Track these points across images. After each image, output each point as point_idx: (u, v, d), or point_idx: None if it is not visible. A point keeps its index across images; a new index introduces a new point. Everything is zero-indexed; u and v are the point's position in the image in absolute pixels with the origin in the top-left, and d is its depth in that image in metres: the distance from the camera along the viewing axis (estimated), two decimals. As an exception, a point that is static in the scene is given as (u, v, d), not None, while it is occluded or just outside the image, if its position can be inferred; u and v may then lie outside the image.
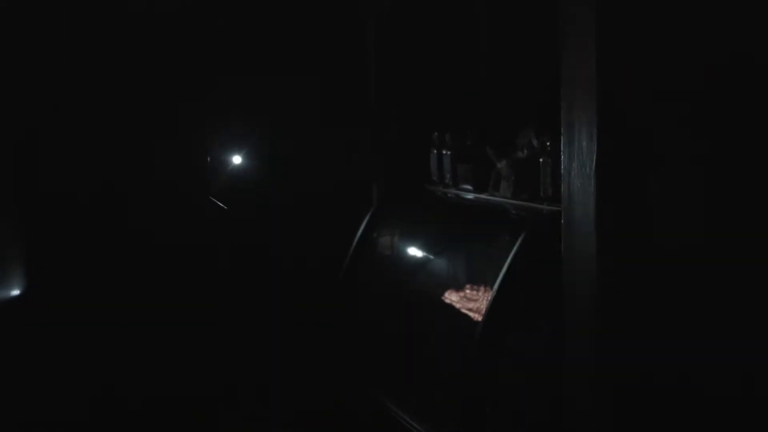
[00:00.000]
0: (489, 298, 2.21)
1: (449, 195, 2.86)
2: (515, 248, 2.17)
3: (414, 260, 2.98)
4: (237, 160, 3.56)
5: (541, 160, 2.37)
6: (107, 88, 3.25)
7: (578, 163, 1.70)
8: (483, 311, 2.24)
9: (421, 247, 2.98)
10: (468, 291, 2.60)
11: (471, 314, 2.47)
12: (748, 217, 1.70)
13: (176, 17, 3.31)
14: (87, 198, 3.25)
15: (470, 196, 2.75)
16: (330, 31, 3.43)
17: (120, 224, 3.29)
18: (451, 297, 2.62)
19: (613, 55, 1.63)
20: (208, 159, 3.55)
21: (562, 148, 1.77)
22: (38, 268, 3.24)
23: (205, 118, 3.42)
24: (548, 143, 2.36)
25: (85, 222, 3.25)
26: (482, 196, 2.68)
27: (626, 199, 1.68)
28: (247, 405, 3.17)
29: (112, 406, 3.05)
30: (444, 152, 2.88)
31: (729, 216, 1.71)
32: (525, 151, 2.50)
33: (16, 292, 3.23)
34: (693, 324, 1.72)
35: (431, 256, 2.92)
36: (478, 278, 2.58)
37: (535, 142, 2.46)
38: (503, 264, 2.18)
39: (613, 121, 1.64)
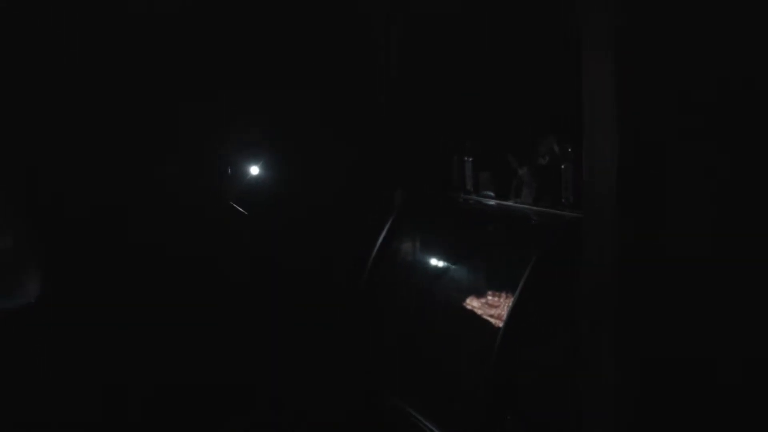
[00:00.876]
0: (509, 305, 2.22)
1: (471, 201, 2.86)
2: (536, 255, 2.18)
3: (435, 266, 2.98)
4: (252, 165, 3.50)
5: (562, 166, 2.38)
6: (107, 88, 3.21)
7: (599, 173, 1.71)
8: (504, 318, 2.25)
9: (442, 253, 2.98)
10: (490, 297, 2.60)
11: (492, 321, 2.47)
12: (758, 227, 1.71)
13: (176, 17, 3.25)
14: (89, 207, 3.17)
15: (492, 202, 2.76)
16: (344, 37, 3.41)
17: (125, 233, 3.23)
18: (473, 303, 2.62)
19: (634, 67, 1.64)
20: (216, 164, 3.49)
21: (583, 158, 1.78)
22: (49, 281, 3.21)
23: (211, 122, 3.36)
24: (569, 149, 2.37)
25: (92, 232, 3.19)
26: (504, 202, 2.69)
27: (645, 209, 1.69)
28: (263, 410, 3.17)
29: (122, 411, 3.04)
30: (465, 159, 2.88)
31: (740, 226, 1.71)
32: (546, 158, 2.50)
33: (30, 303, 3.19)
34: (708, 327, 1.72)
35: (453, 262, 2.92)
36: (499, 285, 2.58)
37: (556, 149, 2.46)
38: (524, 271, 2.19)
39: (633, 132, 1.65)
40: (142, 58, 3.23)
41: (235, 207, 3.47)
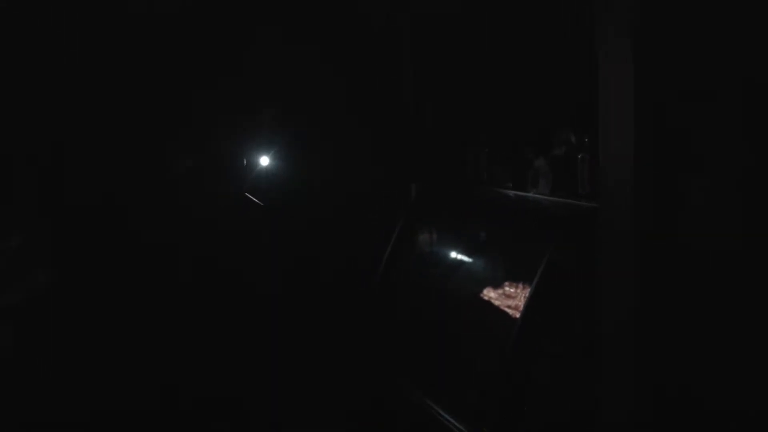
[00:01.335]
0: (526, 295, 2.22)
1: (487, 192, 2.86)
2: (552, 246, 2.18)
3: (452, 257, 2.99)
4: (265, 161, 3.48)
5: (579, 156, 2.37)
6: (107, 88, 3.21)
7: (615, 163, 1.70)
8: (521, 308, 2.26)
9: (459, 244, 2.99)
10: (507, 288, 2.61)
11: (510, 311, 2.48)
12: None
13: (176, 17, 3.25)
14: (92, 205, 3.17)
15: (509, 193, 2.76)
16: (362, 31, 3.40)
17: (123, 228, 3.22)
18: (490, 294, 2.63)
19: (651, 56, 1.63)
20: (223, 161, 3.48)
21: (599, 148, 1.77)
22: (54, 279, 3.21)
23: (217, 119, 3.36)
24: (586, 139, 2.36)
25: (97, 228, 3.17)
26: (520, 193, 2.68)
27: (662, 199, 1.68)
28: (282, 402, 3.17)
29: (134, 411, 3.02)
30: (482, 150, 2.88)
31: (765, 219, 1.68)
32: (563, 148, 2.50)
33: (40, 303, 3.19)
34: (726, 322, 1.70)
35: (470, 253, 2.93)
36: (516, 275, 2.58)
37: (572, 139, 2.45)
38: (541, 262, 2.19)
39: (649, 122, 1.64)
40: (141, 57, 3.24)
41: (245, 203, 3.47)
